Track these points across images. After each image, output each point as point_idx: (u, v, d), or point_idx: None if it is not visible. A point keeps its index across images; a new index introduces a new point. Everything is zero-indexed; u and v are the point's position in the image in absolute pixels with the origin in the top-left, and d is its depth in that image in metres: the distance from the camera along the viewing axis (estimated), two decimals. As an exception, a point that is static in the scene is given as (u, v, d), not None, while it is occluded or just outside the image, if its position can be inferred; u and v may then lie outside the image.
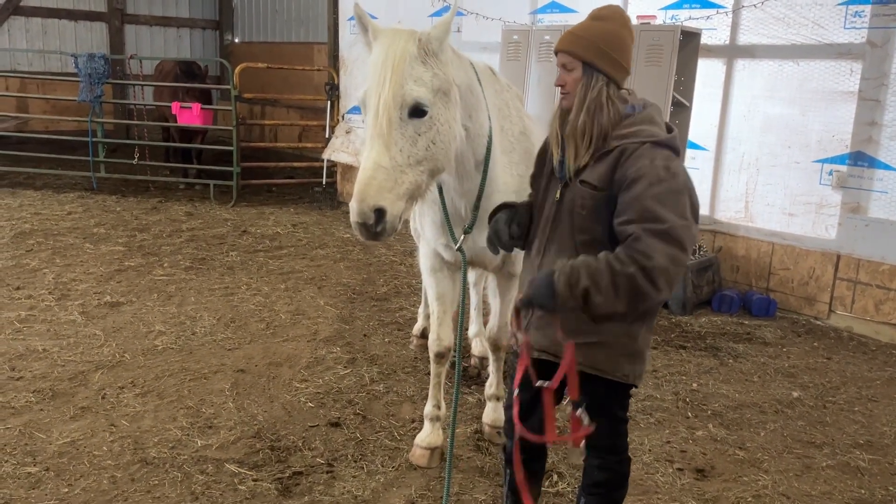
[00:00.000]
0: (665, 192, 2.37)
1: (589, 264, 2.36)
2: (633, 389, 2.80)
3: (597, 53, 2.52)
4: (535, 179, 2.90)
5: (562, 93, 2.63)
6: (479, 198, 3.27)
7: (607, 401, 2.70)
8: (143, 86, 10.92)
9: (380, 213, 2.61)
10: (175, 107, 9.94)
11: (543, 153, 2.84)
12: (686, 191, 2.45)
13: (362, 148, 2.75)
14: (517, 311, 2.59)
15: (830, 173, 6.19)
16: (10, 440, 3.87)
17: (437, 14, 8.75)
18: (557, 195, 2.65)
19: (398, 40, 2.74)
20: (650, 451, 4.07)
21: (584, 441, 2.71)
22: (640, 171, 2.40)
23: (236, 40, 16.64)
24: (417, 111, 2.71)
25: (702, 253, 6.64)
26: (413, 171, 2.73)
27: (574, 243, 2.59)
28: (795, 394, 4.89)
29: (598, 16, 2.62)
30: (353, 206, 2.60)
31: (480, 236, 3.34)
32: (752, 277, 6.74)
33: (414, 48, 2.74)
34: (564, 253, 2.60)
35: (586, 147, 2.53)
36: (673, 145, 2.53)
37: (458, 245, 3.32)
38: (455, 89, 2.89)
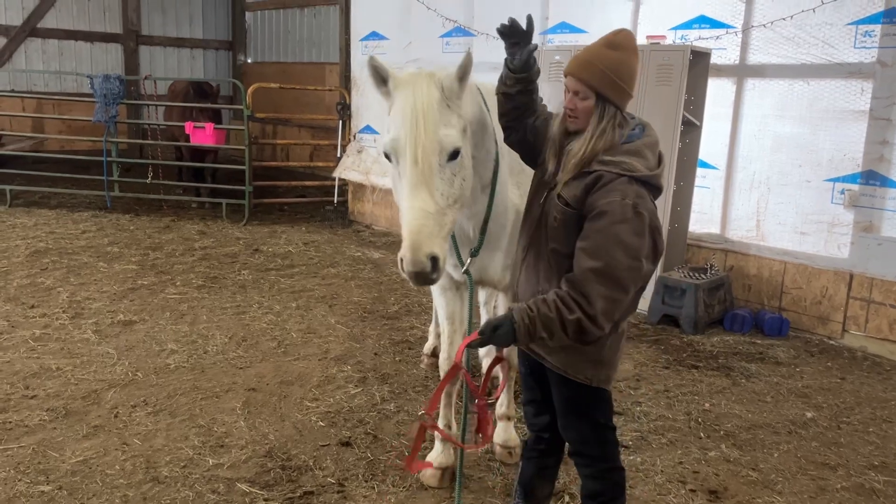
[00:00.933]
0: (625, 233, 2.49)
1: (543, 315, 2.52)
2: (620, 399, 2.91)
3: (611, 86, 2.61)
4: (532, 181, 2.99)
5: (570, 116, 2.69)
6: (485, 220, 3.29)
7: (583, 404, 2.86)
8: (157, 106, 11.05)
9: (434, 259, 2.65)
10: (188, 126, 10.05)
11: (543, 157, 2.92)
12: (648, 232, 2.54)
13: (401, 194, 2.78)
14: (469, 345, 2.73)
15: (842, 192, 6.18)
16: (24, 458, 3.90)
17: (448, 35, 8.83)
18: (543, 199, 2.79)
19: (421, 86, 2.78)
20: (662, 471, 4.04)
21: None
22: (608, 206, 2.51)
23: (249, 61, 16.82)
24: (454, 155, 2.79)
25: (713, 272, 6.62)
26: (451, 210, 2.81)
27: (547, 250, 2.75)
28: (809, 414, 4.85)
29: (613, 44, 2.66)
30: (408, 256, 2.62)
31: (488, 257, 3.38)
32: (764, 296, 6.71)
33: (437, 93, 2.79)
34: (541, 260, 2.79)
35: (578, 168, 2.63)
36: (653, 183, 2.63)
37: (465, 268, 3.35)
38: (468, 126, 2.96)
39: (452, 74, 2.84)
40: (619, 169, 2.56)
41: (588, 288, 2.50)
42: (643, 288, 2.72)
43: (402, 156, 2.76)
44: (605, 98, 2.62)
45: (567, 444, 3.06)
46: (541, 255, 2.79)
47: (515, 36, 2.80)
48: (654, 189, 2.65)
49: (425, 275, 2.64)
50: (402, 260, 2.66)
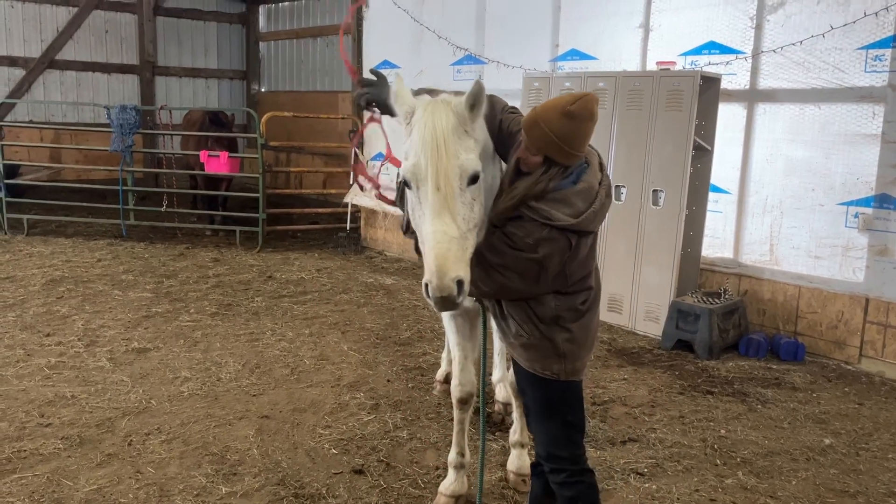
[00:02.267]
0: (513, 253, 2.83)
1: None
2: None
3: (559, 152, 2.83)
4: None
5: (522, 162, 2.94)
6: None
7: (554, 401, 3.03)
8: (172, 135, 11.19)
9: (460, 283, 2.67)
10: (203, 155, 10.16)
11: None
12: (538, 264, 2.82)
13: (422, 220, 2.81)
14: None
15: (856, 216, 6.15)
16: (39, 487, 3.90)
17: (459, 63, 8.93)
18: None
19: (440, 114, 2.83)
20: (678, 499, 3.99)
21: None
22: (512, 235, 2.85)
23: (263, 90, 17.04)
24: (473, 179, 2.83)
25: (727, 296, 6.59)
26: (472, 234, 2.84)
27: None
28: (827, 441, 4.78)
29: (570, 114, 2.80)
30: (434, 281, 2.63)
31: None
32: (779, 321, 6.66)
33: (454, 119, 2.84)
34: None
35: (510, 207, 2.90)
36: (577, 230, 2.84)
37: (463, 301, 3.35)
38: (484, 151, 3.02)
39: (465, 102, 2.89)
40: (536, 215, 2.83)
41: (485, 257, 2.88)
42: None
43: (422, 182, 2.79)
44: (552, 160, 2.85)
45: (536, 450, 3.16)
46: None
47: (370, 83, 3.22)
48: (578, 233, 2.87)
49: (451, 299, 2.65)
50: (427, 285, 2.67)
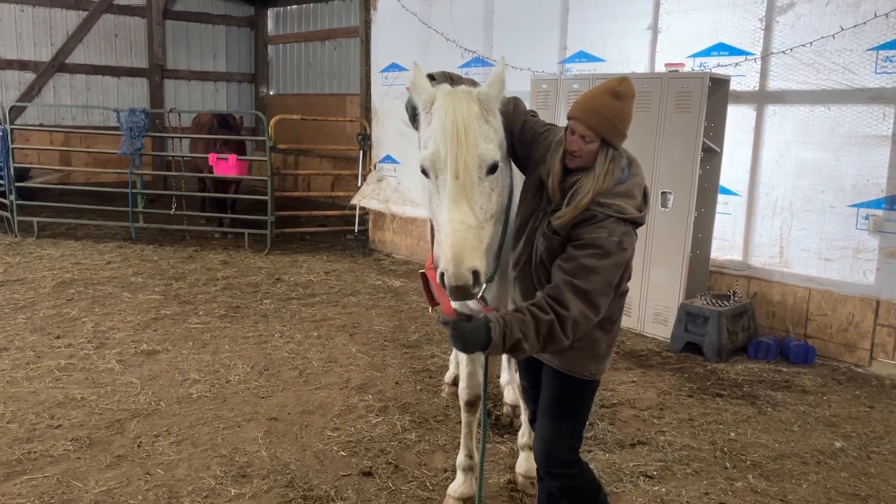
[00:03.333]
0: (607, 264, 2.74)
1: (520, 319, 2.66)
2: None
3: (615, 132, 2.84)
4: (525, 197, 3.13)
5: (574, 156, 2.87)
6: (500, 248, 3.28)
7: (575, 400, 3.05)
8: (181, 138, 11.24)
9: (476, 273, 2.65)
10: (212, 158, 10.19)
11: (538, 179, 3.06)
12: (625, 265, 2.84)
13: (439, 209, 2.78)
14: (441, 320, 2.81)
15: (867, 218, 6.12)
16: (48, 489, 3.92)
17: (467, 65, 8.93)
18: (538, 221, 2.99)
19: (460, 102, 2.82)
20: (688, 502, 3.97)
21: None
22: (595, 240, 2.75)
23: (271, 93, 17.09)
24: (492, 168, 2.83)
25: (736, 299, 6.56)
26: (488, 225, 2.84)
27: (535, 265, 3.00)
28: (838, 444, 4.75)
29: (617, 93, 2.85)
30: (450, 270, 2.60)
31: (504, 287, 3.38)
32: (788, 323, 6.62)
33: (476, 108, 2.84)
34: (528, 275, 3.06)
35: (584, 208, 2.81)
36: (640, 222, 2.88)
37: (480, 293, 3.30)
38: (502, 142, 3.02)
39: (489, 91, 2.91)
40: (612, 211, 2.80)
41: (565, 296, 2.70)
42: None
43: (441, 170, 2.78)
44: (609, 143, 2.84)
45: (536, 448, 3.14)
46: (530, 270, 3.04)
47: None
48: (639, 225, 2.91)
49: (467, 289, 2.63)
50: (443, 274, 2.65)
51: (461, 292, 2.64)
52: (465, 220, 2.69)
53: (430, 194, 2.91)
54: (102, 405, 5.00)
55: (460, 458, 3.92)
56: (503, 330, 2.63)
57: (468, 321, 2.69)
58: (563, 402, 3.05)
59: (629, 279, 2.99)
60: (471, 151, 2.75)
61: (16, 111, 13.29)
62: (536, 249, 2.94)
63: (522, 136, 3.16)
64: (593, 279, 2.72)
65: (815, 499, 4.06)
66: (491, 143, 2.84)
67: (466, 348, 2.71)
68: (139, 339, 6.34)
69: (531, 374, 3.26)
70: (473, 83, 3.20)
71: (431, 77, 3.16)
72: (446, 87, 2.96)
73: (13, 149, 10.39)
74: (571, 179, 2.89)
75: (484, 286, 3.12)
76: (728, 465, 4.42)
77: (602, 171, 2.82)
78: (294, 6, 16.03)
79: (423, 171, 2.87)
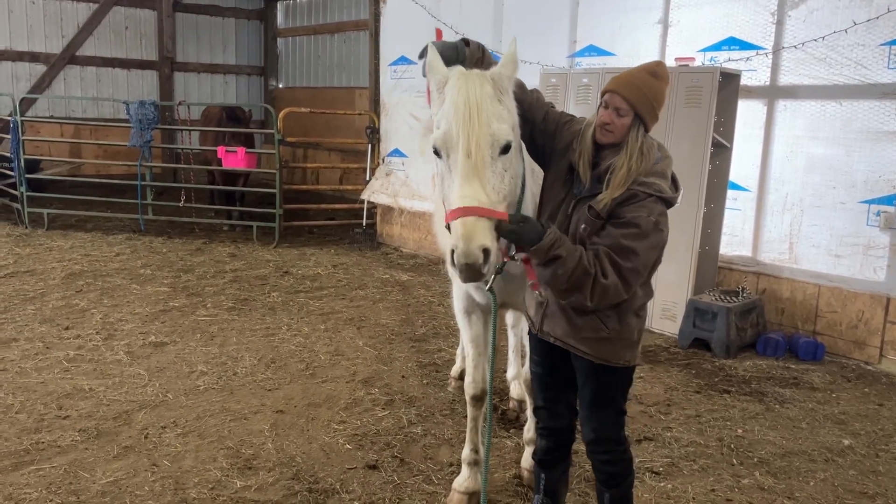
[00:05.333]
0: (645, 245, 2.80)
1: (572, 246, 2.80)
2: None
3: (649, 109, 2.88)
4: (551, 186, 3.13)
5: (607, 130, 2.89)
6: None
7: (613, 391, 3.10)
8: (190, 131, 11.25)
9: (486, 252, 2.64)
10: (221, 151, 10.21)
11: (567, 166, 3.07)
12: (661, 247, 2.88)
13: (450, 188, 2.76)
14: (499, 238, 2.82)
15: (878, 214, 6.07)
16: (56, 479, 3.94)
17: (476, 58, 8.88)
18: (570, 209, 2.99)
19: (473, 82, 2.82)
20: (694, 499, 3.96)
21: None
22: (635, 220, 2.80)
23: (280, 86, 17.09)
24: (505, 149, 2.81)
25: (745, 295, 6.52)
26: (501, 206, 2.79)
27: None
28: (846, 441, 4.73)
29: (655, 73, 2.92)
30: (461, 246, 2.60)
31: (512, 280, 3.35)
32: (797, 320, 6.58)
33: (490, 88, 2.83)
34: None
35: (624, 187, 2.82)
36: (674, 203, 2.92)
37: (488, 285, 3.18)
38: (516, 124, 3.00)
39: (502, 71, 2.90)
40: (651, 190, 2.82)
41: (605, 265, 2.78)
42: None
43: (453, 149, 2.76)
44: (642, 119, 2.87)
45: (584, 434, 3.20)
46: None
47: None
48: (671, 205, 2.95)
49: (477, 268, 2.62)
50: (453, 251, 2.64)
51: (471, 271, 2.62)
52: (477, 196, 2.67)
53: (442, 175, 2.88)
54: (110, 396, 5.02)
55: (466, 453, 3.91)
56: (555, 239, 2.76)
57: (524, 220, 2.83)
58: (606, 394, 3.09)
59: (659, 263, 3.01)
60: (483, 130, 2.73)
61: (27, 103, 13.35)
62: (576, 237, 2.93)
63: (545, 126, 3.14)
64: (633, 260, 2.78)
65: (823, 496, 4.04)
66: (504, 122, 2.83)
67: (520, 239, 2.79)
68: (147, 331, 6.37)
69: (544, 360, 3.25)
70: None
71: (467, 42, 3.14)
72: (460, 68, 2.95)
73: (24, 140, 10.43)
74: (603, 163, 2.91)
75: (493, 276, 3.08)
76: (735, 461, 4.40)
77: (635, 147, 2.85)
78: (303, -1, 16.04)
79: (436, 152, 2.86)
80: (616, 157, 2.87)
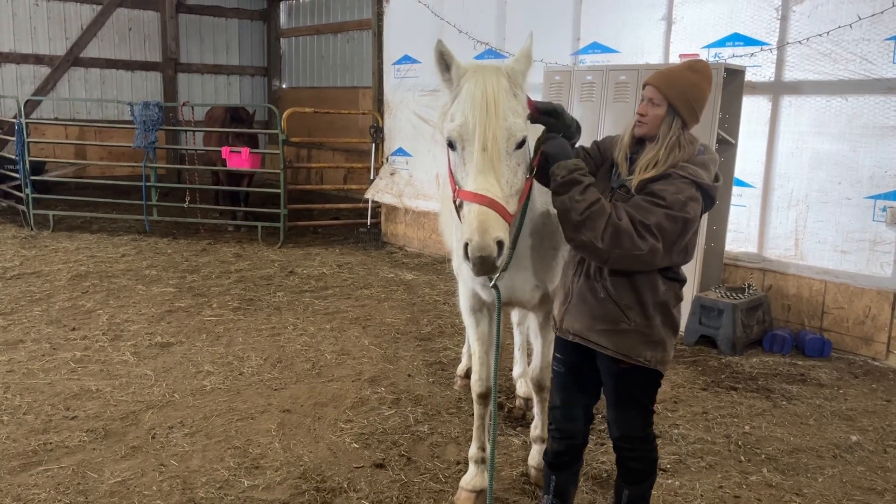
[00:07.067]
0: (665, 212, 2.78)
1: (591, 183, 2.86)
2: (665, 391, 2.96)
3: (684, 102, 2.90)
4: (596, 184, 3.10)
5: (640, 121, 2.96)
6: (515, 237, 3.25)
7: (637, 390, 3.07)
8: (194, 131, 11.26)
9: (501, 244, 2.64)
10: (225, 151, 10.22)
11: (610, 162, 3.14)
12: (683, 225, 2.82)
13: (465, 181, 2.77)
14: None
15: (884, 209, 6.05)
16: (64, 479, 3.95)
17: (480, 57, 8.89)
18: (608, 200, 2.96)
19: (490, 75, 2.83)
20: (702, 496, 3.95)
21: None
22: (660, 192, 2.81)
23: (284, 86, 17.11)
24: (520, 143, 2.83)
25: (751, 291, 6.50)
26: (513, 200, 2.81)
27: None
28: (854, 438, 4.71)
29: (693, 68, 2.96)
30: (475, 239, 2.59)
31: (516, 277, 3.35)
32: (804, 316, 6.57)
33: (506, 82, 2.85)
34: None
35: (654, 171, 2.88)
36: (710, 193, 2.91)
37: (493, 282, 3.18)
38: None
39: (515, 66, 2.93)
40: (686, 173, 2.85)
41: (621, 212, 2.79)
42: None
43: (468, 142, 2.77)
44: (676, 111, 2.89)
45: (611, 432, 3.21)
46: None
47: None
48: (710, 200, 2.95)
49: (491, 260, 2.61)
50: (467, 245, 2.63)
51: (485, 264, 2.62)
52: (491, 189, 2.67)
53: (455, 167, 2.88)
54: (117, 397, 5.03)
55: (473, 451, 3.91)
56: (578, 164, 2.85)
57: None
58: (629, 395, 3.09)
59: (688, 256, 2.98)
60: (500, 124, 2.74)
61: (31, 105, 13.39)
62: None
63: (596, 156, 3.22)
64: (649, 218, 2.77)
65: (831, 493, 4.03)
66: (519, 117, 2.84)
67: (552, 147, 2.90)
68: (153, 332, 6.38)
69: (566, 360, 3.23)
70: None
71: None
72: (475, 62, 2.97)
73: (29, 142, 10.46)
74: (637, 152, 2.98)
75: (497, 273, 3.06)
76: (742, 458, 4.39)
77: (667, 138, 2.87)
78: (306, -1, 16.06)
79: (450, 144, 2.86)
80: (648, 147, 2.95)
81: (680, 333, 6.47)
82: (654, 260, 2.84)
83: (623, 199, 2.92)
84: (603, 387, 3.18)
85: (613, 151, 3.12)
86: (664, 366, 3.04)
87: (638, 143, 3.01)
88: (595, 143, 3.29)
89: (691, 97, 2.89)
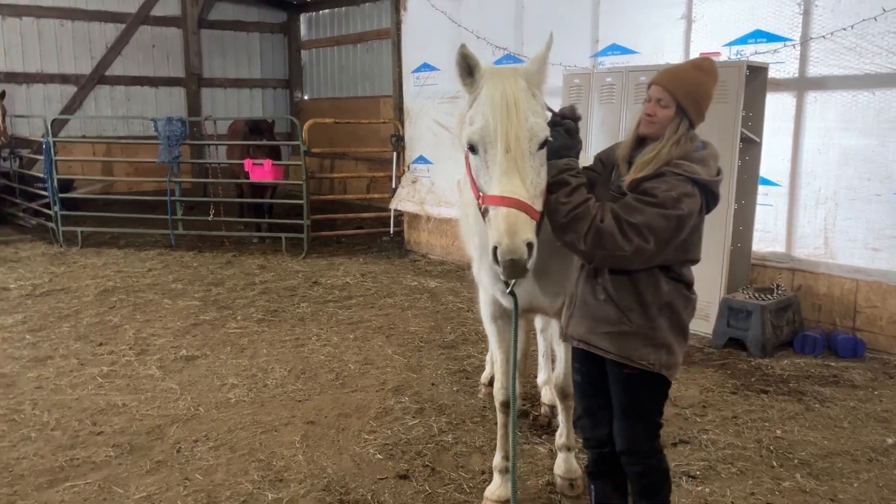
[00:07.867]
0: (655, 211, 2.73)
1: (581, 184, 2.86)
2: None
3: (691, 102, 2.88)
4: (599, 186, 3.11)
5: (650, 121, 2.93)
6: None
7: (642, 397, 3.02)
8: (217, 145, 11.37)
9: (530, 246, 2.62)
10: (248, 164, 10.29)
11: (602, 165, 3.18)
12: (677, 222, 2.77)
13: (489, 184, 2.74)
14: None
15: (916, 205, 5.89)
16: (90, 495, 3.97)
17: (499, 62, 8.85)
18: (607, 200, 2.96)
19: (508, 77, 2.83)
20: (733, 503, 3.86)
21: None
22: (651, 189, 2.78)
23: (306, 97, 17.23)
24: (543, 144, 2.81)
25: (780, 292, 6.37)
26: (538, 201, 2.79)
27: None
28: (890, 440, 4.58)
29: (699, 66, 2.96)
30: (505, 242, 2.57)
31: (536, 283, 3.30)
32: (835, 316, 6.42)
33: (524, 83, 2.84)
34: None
35: (650, 169, 2.84)
36: (710, 188, 2.88)
37: (510, 288, 3.09)
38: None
39: (531, 67, 2.92)
40: (680, 170, 2.81)
41: (605, 213, 2.77)
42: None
43: (490, 144, 2.75)
44: (684, 111, 2.87)
45: (617, 444, 3.14)
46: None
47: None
48: (712, 196, 2.91)
49: (522, 263, 2.59)
50: (496, 248, 2.61)
51: (516, 267, 2.60)
52: (517, 191, 2.65)
53: (477, 171, 2.85)
54: (143, 411, 5.06)
55: (497, 460, 3.87)
56: (569, 164, 2.86)
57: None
58: (635, 405, 3.04)
59: (689, 254, 2.94)
60: (522, 124, 2.73)
61: (58, 124, 13.62)
62: None
63: (602, 169, 3.21)
64: (636, 216, 2.73)
65: (868, 498, 3.91)
66: (539, 117, 2.82)
67: (560, 140, 2.88)
68: (179, 345, 6.42)
69: (583, 368, 3.20)
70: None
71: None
72: (492, 65, 2.97)
73: (56, 161, 10.62)
74: (638, 153, 2.94)
75: (514, 280, 3.00)
76: (775, 463, 4.29)
77: (672, 136, 2.85)
78: (326, 10, 16.16)
79: (472, 147, 2.83)
80: (656, 143, 2.91)
81: (708, 336, 6.43)
82: (642, 259, 2.80)
83: (613, 199, 2.91)
84: (612, 396, 3.12)
85: (615, 155, 3.10)
86: (671, 370, 2.97)
87: (639, 142, 2.99)
88: (597, 156, 3.27)
89: (698, 96, 2.88)
